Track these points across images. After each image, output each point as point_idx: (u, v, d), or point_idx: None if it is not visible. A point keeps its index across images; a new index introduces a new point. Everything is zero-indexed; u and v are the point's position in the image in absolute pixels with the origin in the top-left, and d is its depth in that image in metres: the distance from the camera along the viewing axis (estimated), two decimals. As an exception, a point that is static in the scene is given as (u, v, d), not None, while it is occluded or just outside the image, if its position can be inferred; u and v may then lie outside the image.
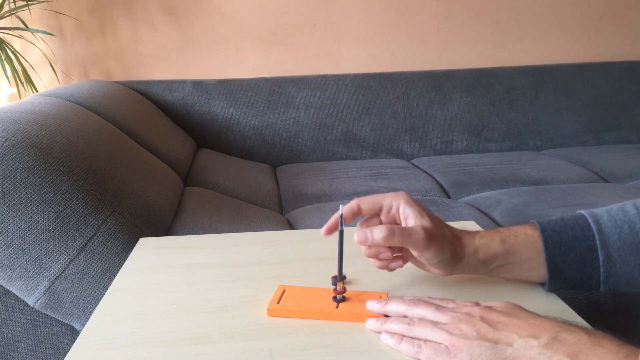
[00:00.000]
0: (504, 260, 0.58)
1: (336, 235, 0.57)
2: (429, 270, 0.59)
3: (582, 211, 0.60)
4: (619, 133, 2.18)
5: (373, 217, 0.59)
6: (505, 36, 2.27)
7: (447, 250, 0.56)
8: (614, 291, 0.59)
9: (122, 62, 2.13)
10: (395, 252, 0.60)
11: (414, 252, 0.57)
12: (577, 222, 0.59)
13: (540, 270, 0.58)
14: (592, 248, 0.57)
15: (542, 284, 0.60)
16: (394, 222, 0.59)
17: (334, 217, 0.57)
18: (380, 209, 0.58)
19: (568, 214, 0.61)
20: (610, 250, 0.57)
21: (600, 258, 0.57)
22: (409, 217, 0.57)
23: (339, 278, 0.57)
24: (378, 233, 0.54)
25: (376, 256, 0.59)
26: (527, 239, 0.58)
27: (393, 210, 0.58)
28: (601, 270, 0.57)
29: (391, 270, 0.60)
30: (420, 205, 0.58)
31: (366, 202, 0.58)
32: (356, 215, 0.58)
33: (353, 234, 0.55)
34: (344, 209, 0.57)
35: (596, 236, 0.57)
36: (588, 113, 2.16)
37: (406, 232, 0.54)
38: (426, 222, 0.56)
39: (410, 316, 0.52)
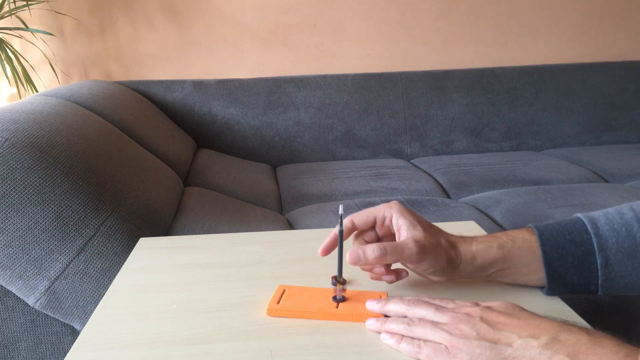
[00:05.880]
0: (502, 265, 0.58)
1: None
2: (428, 278, 0.60)
3: (579, 214, 0.60)
4: (619, 133, 2.18)
5: (368, 230, 0.60)
6: (505, 36, 2.27)
7: (443, 259, 0.56)
8: (613, 295, 0.58)
9: (122, 62, 2.13)
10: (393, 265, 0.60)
11: (410, 265, 0.57)
12: (574, 226, 0.59)
13: (538, 275, 0.58)
14: (590, 251, 0.57)
15: (542, 288, 0.60)
16: (389, 233, 0.59)
17: (329, 239, 0.58)
18: (375, 222, 0.59)
19: (565, 217, 0.61)
20: (608, 253, 0.57)
21: (598, 261, 0.57)
22: (402, 228, 0.57)
23: (339, 276, 0.57)
24: (371, 253, 0.54)
25: (370, 270, 0.60)
26: (524, 244, 0.58)
27: (387, 222, 0.58)
28: (599, 273, 0.57)
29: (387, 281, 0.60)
30: (413, 214, 0.58)
31: (359, 218, 0.58)
32: (352, 232, 0.59)
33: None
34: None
35: (593, 239, 0.57)
36: (588, 113, 2.16)
37: (398, 248, 0.55)
38: (419, 233, 0.56)
39: (410, 316, 0.52)
